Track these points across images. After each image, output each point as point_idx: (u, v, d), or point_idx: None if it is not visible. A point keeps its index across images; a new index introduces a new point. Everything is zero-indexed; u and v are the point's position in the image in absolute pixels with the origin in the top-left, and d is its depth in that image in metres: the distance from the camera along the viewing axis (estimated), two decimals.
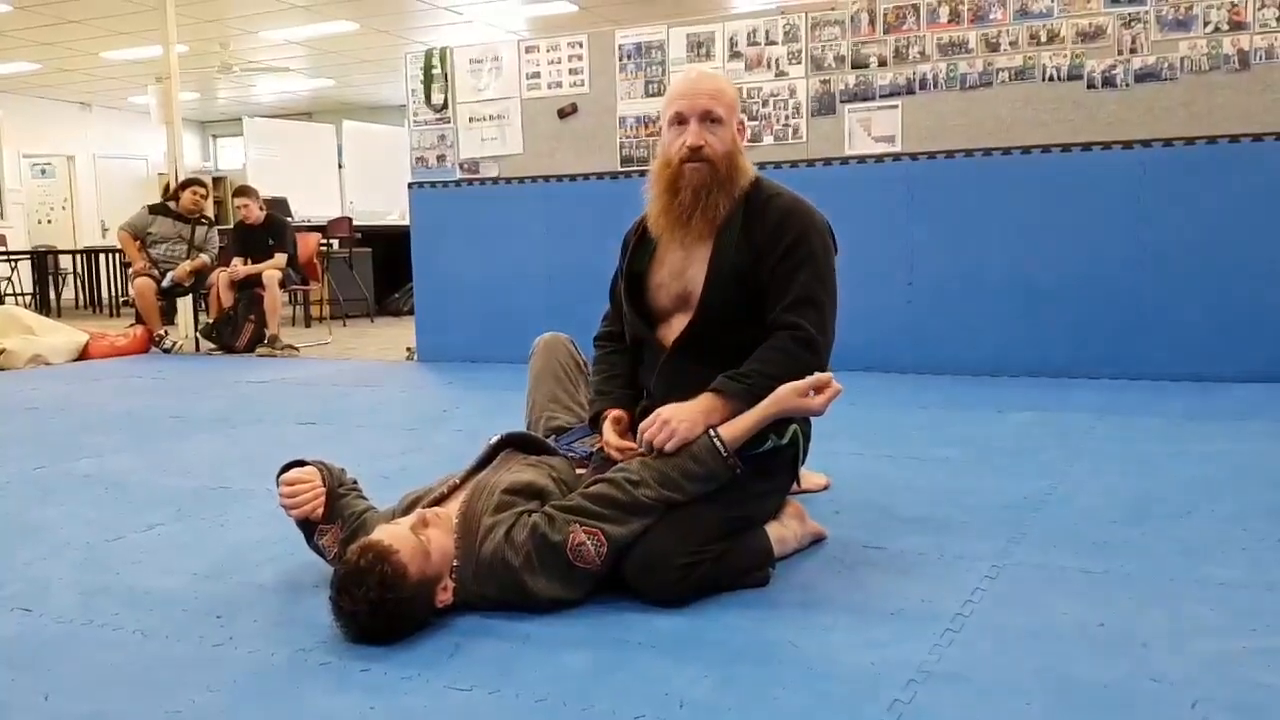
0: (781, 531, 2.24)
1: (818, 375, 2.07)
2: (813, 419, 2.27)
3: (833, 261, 2.27)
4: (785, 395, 2.05)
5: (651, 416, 2.08)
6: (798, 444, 2.23)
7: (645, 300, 2.33)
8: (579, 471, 2.22)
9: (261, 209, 7.52)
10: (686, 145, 2.19)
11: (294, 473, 2.18)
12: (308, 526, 2.18)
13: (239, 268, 7.30)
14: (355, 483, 2.28)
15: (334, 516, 2.16)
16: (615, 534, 1.95)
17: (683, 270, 2.26)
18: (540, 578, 1.93)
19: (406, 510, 2.08)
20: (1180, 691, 1.58)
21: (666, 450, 2.02)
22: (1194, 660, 1.69)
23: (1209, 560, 2.20)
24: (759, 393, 2.09)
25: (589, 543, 1.93)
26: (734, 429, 2.05)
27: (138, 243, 7.51)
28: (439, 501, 2.09)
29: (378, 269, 10.15)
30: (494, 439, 2.26)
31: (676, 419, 2.05)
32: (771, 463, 2.17)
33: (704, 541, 2.00)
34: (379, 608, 1.79)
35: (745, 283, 2.20)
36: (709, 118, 2.19)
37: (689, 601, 1.99)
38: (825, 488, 2.83)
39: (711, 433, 2.04)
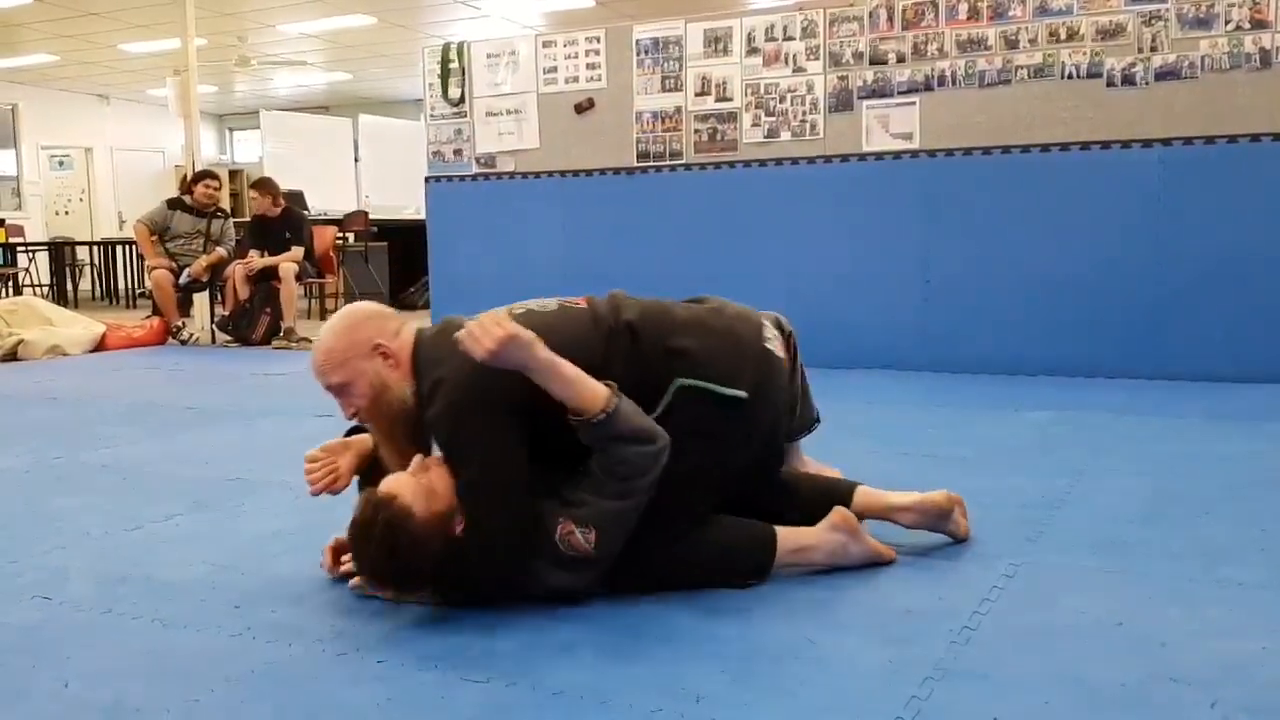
0: (804, 539, 2.14)
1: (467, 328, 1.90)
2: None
3: (474, 426, 1.95)
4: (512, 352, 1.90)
5: None
6: (705, 393, 2.04)
7: None
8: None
9: (276, 203, 7.52)
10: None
11: (312, 450, 2.19)
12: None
13: (255, 260, 7.31)
14: None
15: None
16: (599, 518, 1.91)
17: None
18: (549, 565, 1.93)
19: None
20: (1199, 692, 1.58)
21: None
22: (1213, 660, 1.69)
23: (1227, 561, 2.19)
24: None
25: (577, 531, 1.91)
26: (558, 392, 1.91)
27: (154, 238, 7.53)
28: None
29: (393, 263, 10.17)
30: None
31: None
32: (684, 420, 2.01)
33: (666, 534, 1.99)
34: (394, 552, 1.84)
35: None
36: (335, 392, 2.10)
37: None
38: None
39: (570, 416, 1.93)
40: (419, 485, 1.90)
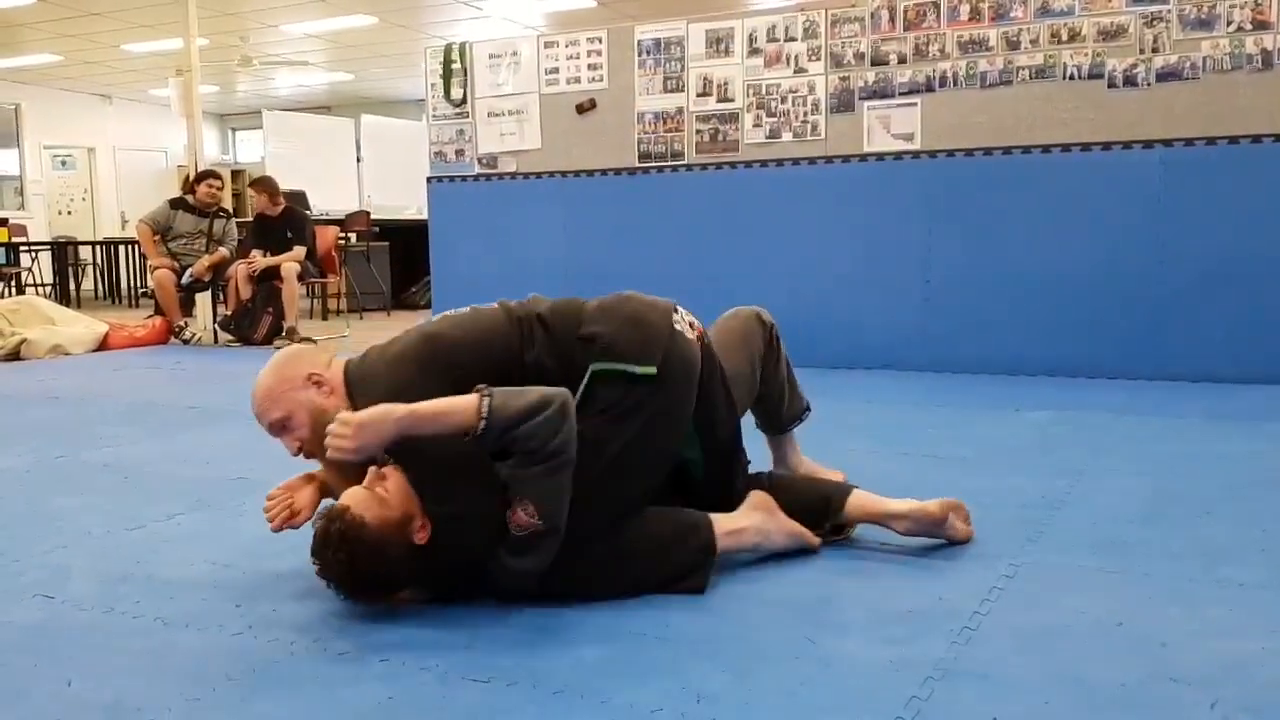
0: (735, 521, 2.18)
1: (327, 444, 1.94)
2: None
3: None
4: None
5: None
6: (618, 374, 2.09)
7: None
8: None
9: (275, 201, 7.51)
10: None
11: (273, 489, 2.21)
12: None
13: (257, 260, 7.31)
14: None
15: None
16: (531, 488, 1.91)
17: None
18: (505, 553, 1.93)
19: None
20: (1199, 692, 1.58)
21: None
22: (1213, 660, 1.69)
23: (1227, 561, 2.19)
24: None
25: (519, 510, 1.92)
26: (438, 429, 1.94)
27: (156, 237, 7.53)
28: None
29: (395, 263, 10.18)
30: None
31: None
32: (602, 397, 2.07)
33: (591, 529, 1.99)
34: (351, 564, 1.87)
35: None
36: (276, 430, 2.17)
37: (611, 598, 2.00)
38: None
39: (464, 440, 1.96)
40: (371, 495, 1.92)
